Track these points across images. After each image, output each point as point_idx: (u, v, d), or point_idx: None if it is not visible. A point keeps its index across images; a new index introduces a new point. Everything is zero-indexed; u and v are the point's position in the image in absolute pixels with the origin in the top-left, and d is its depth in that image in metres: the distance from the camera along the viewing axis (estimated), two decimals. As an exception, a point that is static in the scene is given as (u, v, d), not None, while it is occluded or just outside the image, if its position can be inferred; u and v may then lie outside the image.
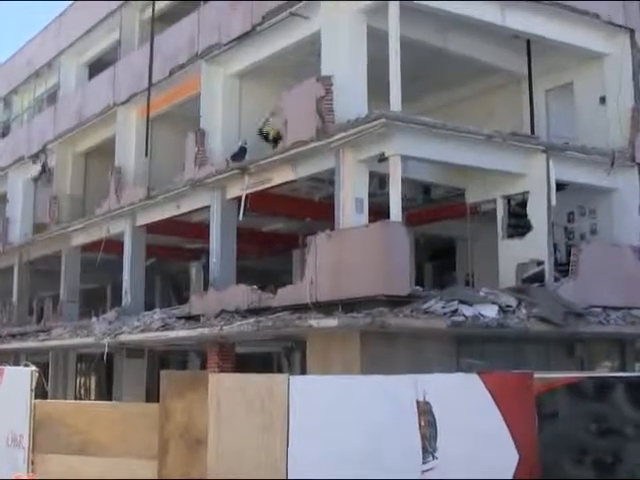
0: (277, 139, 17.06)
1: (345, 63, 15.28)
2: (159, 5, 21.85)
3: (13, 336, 24.54)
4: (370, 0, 15.18)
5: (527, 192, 15.72)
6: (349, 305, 13.76)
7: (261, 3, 17.09)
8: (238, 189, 17.28)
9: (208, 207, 18.21)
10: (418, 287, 14.19)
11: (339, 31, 15.51)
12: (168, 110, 20.93)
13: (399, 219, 13.81)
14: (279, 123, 16.46)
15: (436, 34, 16.31)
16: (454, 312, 13.22)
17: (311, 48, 16.20)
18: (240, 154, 17.68)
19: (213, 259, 17.77)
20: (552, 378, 10.60)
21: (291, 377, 10.31)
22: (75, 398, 23.48)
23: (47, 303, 24.67)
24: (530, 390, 10.15)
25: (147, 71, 20.67)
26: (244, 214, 16.98)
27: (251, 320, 14.80)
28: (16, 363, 23.00)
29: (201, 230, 19.01)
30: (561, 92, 18.18)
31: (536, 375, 10.39)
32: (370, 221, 14.45)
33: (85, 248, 23.55)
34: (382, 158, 14.31)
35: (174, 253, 23.55)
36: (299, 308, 14.54)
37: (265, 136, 17.62)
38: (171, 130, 21.23)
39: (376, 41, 14.93)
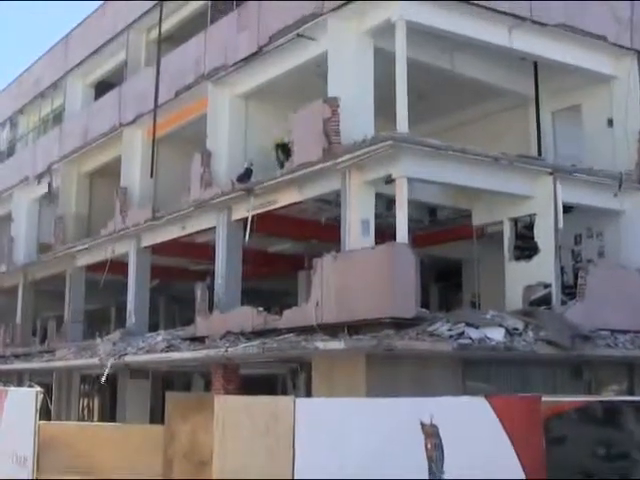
0: (285, 150, 17.11)
1: (352, 84, 15.40)
2: (165, 26, 22.02)
3: (17, 357, 24.59)
4: (377, 21, 15.30)
5: (534, 214, 15.76)
6: (355, 327, 13.78)
7: (268, 24, 17.25)
8: (244, 210, 17.36)
9: (213, 228, 18.29)
10: (424, 309, 14.20)
11: (346, 52, 15.64)
12: (174, 131, 21.07)
13: (405, 241, 13.87)
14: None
15: (443, 55, 16.43)
16: (460, 335, 13.23)
17: (317, 69, 16.34)
18: (246, 175, 17.79)
19: (218, 280, 17.83)
20: (560, 402, 10.59)
21: (296, 399, 10.32)
22: (79, 419, 23.45)
23: (51, 324, 24.70)
24: (538, 414, 10.14)
25: (153, 92, 20.82)
26: (250, 235, 17.04)
27: (256, 342, 14.83)
28: (20, 384, 23.06)
29: (206, 251, 19.07)
30: (568, 114, 18.26)
31: (544, 399, 10.38)
32: (376, 243, 14.51)
33: (90, 269, 23.64)
34: (389, 180, 14.38)
35: (179, 274, 23.61)
36: (305, 330, 14.57)
37: (282, 151, 17.64)
38: (177, 151, 21.35)
39: (383, 62, 15.05)
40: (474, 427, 10.01)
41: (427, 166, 14.45)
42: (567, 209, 15.78)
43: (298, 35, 16.38)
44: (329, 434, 10.03)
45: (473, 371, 14.02)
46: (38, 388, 12.46)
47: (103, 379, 18.44)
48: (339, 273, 14.31)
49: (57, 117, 27.91)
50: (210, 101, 18.96)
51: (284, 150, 17.39)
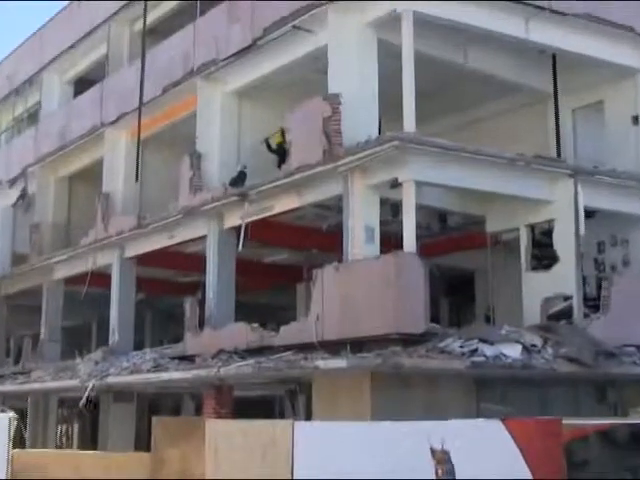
0: (282, 149, 17.24)
1: (354, 80, 15.50)
2: (151, 17, 22.17)
3: (-12, 379, 24.62)
4: (381, 12, 15.41)
5: (553, 220, 15.86)
6: (359, 344, 13.86)
7: (262, 16, 17.35)
8: (237, 217, 17.45)
9: (204, 237, 18.39)
10: (434, 324, 14.27)
11: (347, 46, 15.75)
12: (161, 131, 21.18)
13: (413, 250, 13.95)
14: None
15: (454, 49, 16.53)
16: (473, 352, 13.31)
17: (317, 64, 16.44)
18: (239, 179, 17.89)
19: (210, 294, 17.91)
20: (582, 424, 10.67)
21: (295, 423, 10.38)
22: (56, 447, 23.50)
23: (26, 342, 24.75)
24: (558, 437, 10.21)
25: (138, 89, 20.94)
26: (243, 245, 17.14)
27: (251, 361, 14.90)
28: (-8, 408, 23.08)
29: (196, 262, 19.15)
30: (590, 111, 18.35)
31: (564, 421, 10.45)
32: (382, 252, 14.59)
33: (69, 281, 23.71)
34: (395, 184, 14.48)
35: (167, 287, 23.69)
36: (304, 348, 14.64)
37: (268, 146, 17.81)
38: (164, 153, 21.48)
39: (388, 56, 15.17)
40: (489, 452, 10.09)
41: (436, 169, 14.55)
42: (589, 214, 15.87)
43: (295, 27, 16.49)
44: (331, 461, 10.09)
45: (488, 391, 14.09)
46: (11, 413, 12.53)
47: (83, 402, 18.50)
48: (341, 285, 14.39)
49: (32, 116, 28.03)
50: (200, 99, 19.07)
51: (270, 148, 17.52)
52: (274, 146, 17.86)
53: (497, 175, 15.18)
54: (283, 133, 17.25)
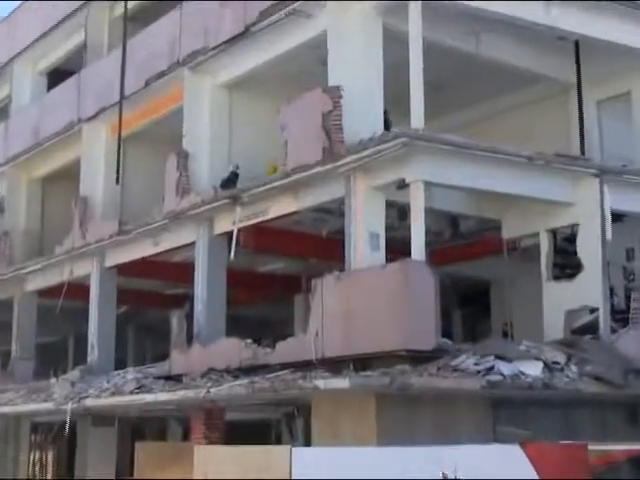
0: None
1: (357, 71, 15.56)
2: (133, 2, 22.26)
3: (-46, 401, 24.60)
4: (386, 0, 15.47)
5: (576, 224, 15.90)
6: (363, 362, 13.88)
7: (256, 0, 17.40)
8: (228, 222, 17.50)
9: (192, 244, 18.44)
10: (446, 340, 14.28)
11: (349, 33, 15.79)
12: (144, 128, 21.24)
13: (423, 258, 13.99)
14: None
15: (466, 36, 16.56)
16: (489, 370, 13.32)
17: (316, 53, 16.50)
18: (231, 181, 17.94)
19: (198, 307, 17.95)
20: (611, 450, 10.68)
21: (293, 449, 10.40)
22: (28, 476, 23.48)
23: (-4, 360, 24.80)
24: (584, 464, 10.24)
25: (118, 81, 21.02)
26: (235, 252, 17.16)
27: (245, 381, 14.91)
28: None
29: (184, 272, 19.19)
30: (617, 104, 18.38)
31: (591, 446, 10.48)
32: (388, 260, 14.63)
33: (43, 294, 23.75)
34: (402, 185, 14.53)
35: (151, 299, 23.72)
36: (302, 366, 14.66)
37: None
38: (148, 152, 21.51)
39: (394, 45, 15.21)
40: (507, 480, 10.11)
41: (448, 168, 14.59)
42: (616, 218, 15.89)
43: (292, 12, 16.53)
44: (333, 490, 10.11)
45: (505, 413, 14.10)
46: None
47: (59, 426, 18.52)
48: (343, 297, 14.42)
49: (2, 111, 28.06)
50: (187, 92, 19.14)
51: None
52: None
53: (514, 175, 15.22)
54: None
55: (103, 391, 18.34)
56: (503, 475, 10.14)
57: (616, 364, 14.34)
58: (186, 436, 19.12)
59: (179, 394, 16.08)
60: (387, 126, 15.49)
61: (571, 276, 15.80)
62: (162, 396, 16.61)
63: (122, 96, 20.92)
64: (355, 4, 15.79)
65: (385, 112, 15.64)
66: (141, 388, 17.58)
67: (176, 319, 18.31)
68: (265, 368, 15.41)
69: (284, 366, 15.04)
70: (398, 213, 16.07)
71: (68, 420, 18.75)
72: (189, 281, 18.53)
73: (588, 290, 15.45)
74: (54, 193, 25.38)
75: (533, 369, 13.64)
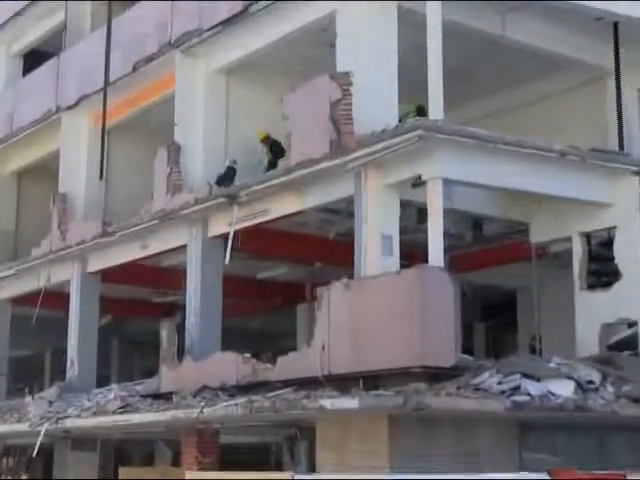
0: (277, 147, 17.39)
1: (369, 56, 15.60)
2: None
3: None
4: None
5: (614, 227, 15.92)
6: (374, 380, 13.92)
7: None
8: (225, 223, 17.56)
9: (184, 247, 18.51)
10: (466, 355, 14.31)
11: (361, 12, 15.81)
12: (131, 117, 21.34)
13: (441, 263, 14.01)
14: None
15: (490, 18, 16.60)
16: (515, 390, 13.33)
17: (323, 36, 16.55)
18: (227, 177, 17.97)
19: (191, 317, 18.00)
20: (650, 479, 10.69)
21: (295, 476, 10.43)
22: (1, 505, 23.53)
23: (-36, 376, 24.83)
24: (620, 495, 10.25)
25: (102, 65, 21.06)
26: (232, 257, 17.21)
27: (242, 400, 14.94)
28: None
29: (175, 278, 19.25)
30: (659, 92, 18.44)
31: (630, 476, 10.49)
32: (402, 266, 14.67)
33: (17, 302, 23.81)
34: (418, 182, 14.57)
35: (138, 309, 23.77)
36: (306, 384, 14.69)
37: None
38: (135, 144, 21.61)
39: (410, 26, 15.26)
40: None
41: (469, 164, 14.63)
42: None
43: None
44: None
45: (532, 438, 14.11)
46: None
47: (34, 450, 18.56)
48: (352, 307, 14.45)
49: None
50: (179, 78, 19.20)
51: (277, 149, 17.60)
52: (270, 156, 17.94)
53: (544, 172, 15.25)
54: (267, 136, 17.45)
55: (84, 411, 18.37)
56: (530, 506, 10.17)
57: (657, 383, 14.36)
58: (176, 461, 19.13)
59: (169, 414, 16.11)
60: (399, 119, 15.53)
61: (607, 285, 15.81)
62: (150, 417, 16.64)
63: (106, 82, 20.99)
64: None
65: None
66: (126, 407, 17.60)
67: (166, 331, 18.36)
68: (265, 386, 15.44)
69: (286, 384, 15.08)
70: (414, 214, 16.09)
71: (38, 443, 18.73)
72: (180, 288, 18.58)
73: (626, 301, 15.47)
74: (30, 189, 25.44)
75: (564, 389, 13.65)
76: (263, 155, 18.26)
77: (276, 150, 17.59)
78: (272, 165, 17.63)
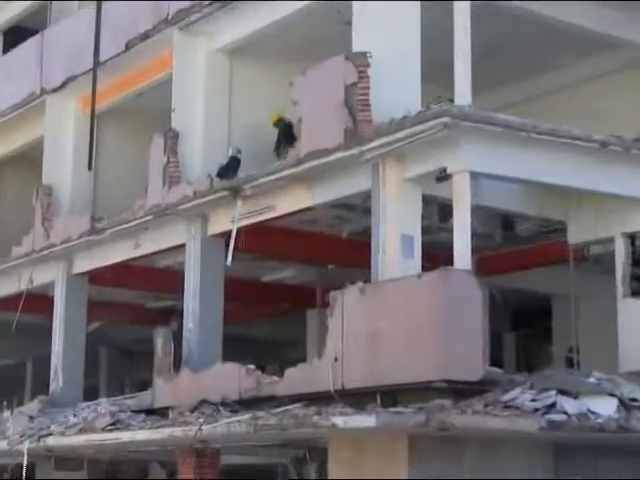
0: (287, 131, 17.42)
1: (388, 34, 15.57)
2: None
3: None
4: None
5: (661, 227, 15.94)
6: (392, 395, 13.94)
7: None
8: (227, 220, 17.58)
9: (182, 246, 18.54)
10: (495, 369, 14.30)
11: (379, -14, 15.86)
12: (123, 102, 21.39)
13: (468, 266, 14.00)
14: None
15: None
16: (550, 407, 13.31)
17: (337, 12, 16.56)
18: (231, 168, 17.93)
19: (189, 324, 18.02)
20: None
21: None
22: (-24, 532, 23.60)
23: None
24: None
25: (91, 44, 21.08)
26: (235, 257, 17.22)
27: (245, 416, 14.96)
28: None
29: (171, 280, 19.29)
30: None
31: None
32: (424, 268, 14.67)
33: (-5, 306, 23.86)
34: (443, 175, 14.55)
35: (130, 314, 23.79)
36: (317, 399, 14.71)
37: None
38: (128, 131, 21.66)
39: (434, 4, 15.26)
40: None
41: (500, 155, 14.62)
42: None
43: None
44: None
45: (570, 461, 14.10)
46: None
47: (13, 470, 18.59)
48: (369, 313, 14.46)
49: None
50: (177, 58, 19.21)
51: (287, 132, 17.59)
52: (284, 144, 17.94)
53: (584, 165, 15.22)
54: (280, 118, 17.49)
55: (69, 428, 18.41)
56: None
57: None
58: (171, 484, 19.20)
59: (164, 432, 16.14)
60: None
61: (654, 291, 15.82)
62: (142, 434, 16.67)
63: (96, 62, 21.00)
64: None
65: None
66: (116, 424, 17.64)
67: (161, 339, 18.38)
68: (271, 401, 15.46)
69: (294, 399, 15.09)
70: (438, 211, 16.09)
71: (25, 463, 18.79)
72: (177, 292, 18.59)
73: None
74: (10, 181, 25.51)
75: (605, 407, 13.62)
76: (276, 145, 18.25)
77: (288, 136, 17.52)
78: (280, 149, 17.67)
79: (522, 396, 13.51)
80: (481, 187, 15.10)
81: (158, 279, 21.02)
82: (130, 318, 24.06)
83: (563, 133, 14.93)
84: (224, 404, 16.16)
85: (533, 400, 13.44)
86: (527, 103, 18.71)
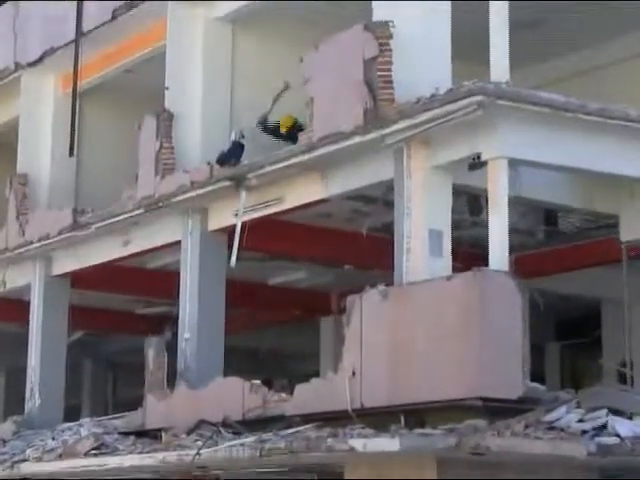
0: (293, 132, 17.43)
1: (414, 1, 15.58)
2: None
3: None
4: None
5: None
6: (417, 414, 13.95)
7: None
8: (229, 214, 17.64)
9: (178, 244, 18.59)
10: (537, 384, 14.30)
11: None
12: (110, 78, 21.49)
13: (505, 267, 14.01)
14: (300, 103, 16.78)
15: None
16: (600, 429, 13.33)
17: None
18: (233, 154, 17.96)
19: (185, 333, 18.08)
20: None
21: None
22: None
23: None
24: None
25: (73, 13, 21.11)
26: (238, 256, 17.25)
27: (250, 439, 15.00)
28: None
29: (165, 283, 19.33)
30: None
31: None
32: (455, 269, 14.70)
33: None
34: (476, 163, 14.56)
35: (117, 322, 23.82)
36: (332, 419, 14.74)
37: (273, 130, 17.99)
38: (115, 112, 21.71)
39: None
40: None
41: (542, 139, 14.60)
42: None
43: None
44: None
45: (622, 491, 14.16)
46: None
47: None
48: (391, 321, 14.46)
49: None
50: (172, 28, 19.28)
51: (276, 133, 17.70)
52: (284, 130, 17.99)
53: (639, 150, 15.22)
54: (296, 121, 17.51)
55: (47, 452, 18.43)
56: None
57: None
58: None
59: (156, 457, 16.16)
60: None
61: None
62: (132, 460, 16.69)
63: (79, 33, 21.02)
64: None
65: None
66: (101, 448, 17.66)
67: (153, 350, 18.41)
68: (279, 421, 15.50)
69: (306, 419, 15.14)
70: (470, 204, 16.09)
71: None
72: (172, 296, 18.64)
73: None
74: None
75: (663, 429, 13.66)
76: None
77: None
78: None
79: (568, 416, 13.52)
80: (520, 176, 15.09)
81: (150, 282, 21.07)
82: (118, 326, 24.09)
83: (615, 114, 14.87)
84: (225, 425, 16.19)
85: (580, 421, 13.45)
86: (572, 80, 18.69)
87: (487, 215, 14.40)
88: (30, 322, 21.63)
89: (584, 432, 13.23)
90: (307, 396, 15.49)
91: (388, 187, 15.51)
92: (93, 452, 17.63)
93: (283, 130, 18.09)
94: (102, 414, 21.35)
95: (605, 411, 13.58)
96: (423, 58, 15.34)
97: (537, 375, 14.66)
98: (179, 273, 18.49)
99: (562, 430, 13.24)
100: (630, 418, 13.62)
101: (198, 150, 18.75)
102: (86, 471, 17.82)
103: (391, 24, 15.37)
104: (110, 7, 20.50)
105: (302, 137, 16.66)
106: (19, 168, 22.45)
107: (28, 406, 21.30)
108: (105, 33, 20.80)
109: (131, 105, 20.66)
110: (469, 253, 15.14)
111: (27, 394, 21.42)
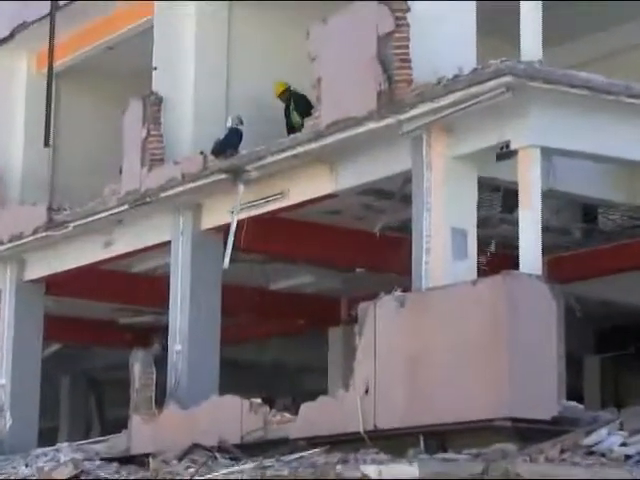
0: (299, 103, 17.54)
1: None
2: None
3: None
4: None
5: None
6: (439, 437, 13.98)
7: None
8: (225, 210, 17.67)
9: (167, 244, 18.64)
10: (575, 403, 14.33)
11: None
12: (89, 58, 21.50)
13: (539, 270, 14.03)
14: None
15: None
16: (647, 454, 13.37)
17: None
18: (230, 143, 18.00)
19: (176, 345, 18.11)
20: None
21: None
22: None
23: None
24: None
25: (48, -17, 21.22)
26: (235, 258, 17.28)
27: (250, 465, 15.02)
28: None
29: (152, 289, 19.35)
30: None
31: None
32: (480, 272, 14.71)
33: None
34: (504, 152, 14.56)
35: (99, 334, 23.84)
36: (342, 442, 14.76)
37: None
38: (96, 96, 21.70)
39: None
40: None
41: (579, 126, 14.63)
42: None
43: None
44: None
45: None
46: None
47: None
48: (409, 331, 14.47)
49: None
50: (160, 3, 19.32)
51: (299, 105, 17.70)
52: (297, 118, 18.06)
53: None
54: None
55: (20, 480, 18.52)
56: None
57: None
58: None
59: (143, 486, 16.24)
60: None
61: None
62: (115, 489, 16.78)
63: (54, 6, 21.02)
64: None
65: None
66: (81, 476, 17.69)
67: (139, 365, 18.43)
68: (282, 445, 15.52)
69: (312, 442, 15.15)
70: (499, 199, 16.10)
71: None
72: (161, 304, 18.66)
73: None
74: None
75: None
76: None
77: (300, 109, 17.61)
78: (293, 129, 17.74)
79: (609, 439, 13.52)
80: (554, 167, 15.10)
81: (136, 287, 21.11)
82: (99, 338, 24.12)
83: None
84: (222, 449, 16.22)
85: (624, 444, 13.45)
86: (609, 60, 18.72)
87: (518, 211, 14.41)
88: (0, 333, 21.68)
89: (628, 457, 13.23)
90: (313, 416, 15.52)
91: (405, 180, 15.54)
92: (72, 480, 17.71)
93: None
94: (82, 438, 21.38)
95: (653, 434, 13.61)
96: (444, 34, 15.36)
97: (574, 392, 14.68)
98: (168, 278, 18.54)
99: (603, 455, 13.24)
100: (680, 441, 13.64)
101: (190, 138, 18.79)
102: (64, 502, 17.92)
103: (409, -3, 15.48)
104: (89, -23, 20.64)
105: (308, 123, 16.71)
106: (-11, 159, 22.55)
107: (-2, 428, 21.39)
108: (83, 7, 20.77)
109: (114, 87, 20.74)
110: (497, 254, 15.09)
111: (-4, 414, 21.52)
